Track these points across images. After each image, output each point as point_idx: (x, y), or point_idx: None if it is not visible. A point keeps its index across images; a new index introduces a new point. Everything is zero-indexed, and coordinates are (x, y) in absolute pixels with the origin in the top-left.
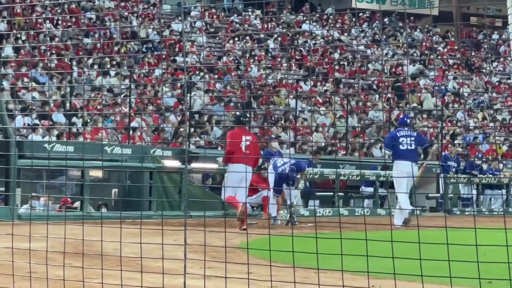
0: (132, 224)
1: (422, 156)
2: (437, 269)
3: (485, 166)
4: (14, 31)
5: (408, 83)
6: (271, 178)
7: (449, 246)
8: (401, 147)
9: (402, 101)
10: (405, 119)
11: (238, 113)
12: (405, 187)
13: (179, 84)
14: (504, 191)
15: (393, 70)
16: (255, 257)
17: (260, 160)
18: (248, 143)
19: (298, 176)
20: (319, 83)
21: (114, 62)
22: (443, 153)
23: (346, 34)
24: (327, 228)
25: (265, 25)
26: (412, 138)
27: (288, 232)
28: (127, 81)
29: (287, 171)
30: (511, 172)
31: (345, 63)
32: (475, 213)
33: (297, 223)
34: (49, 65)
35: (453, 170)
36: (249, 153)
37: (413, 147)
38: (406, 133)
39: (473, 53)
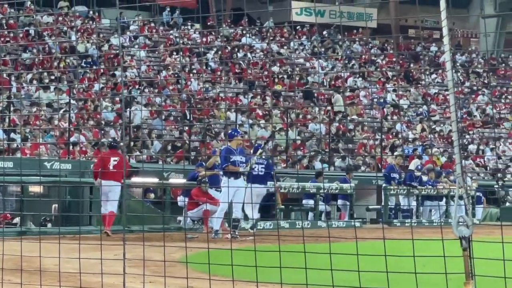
0: (73, 240)
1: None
2: (377, 281)
3: (425, 178)
4: None
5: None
6: (223, 194)
7: (389, 257)
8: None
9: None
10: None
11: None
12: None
13: (118, 99)
14: (443, 202)
15: (333, 82)
16: (195, 271)
17: (203, 172)
18: (115, 163)
19: None
20: (258, 96)
21: (53, 77)
22: (388, 165)
23: (285, 47)
24: (268, 241)
25: (204, 39)
26: (262, 166)
27: (229, 246)
28: (66, 95)
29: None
30: (450, 184)
31: (285, 76)
32: (415, 224)
33: (238, 237)
34: None
35: (396, 181)
36: (117, 171)
37: (263, 172)
38: (258, 161)
39: (411, 65)
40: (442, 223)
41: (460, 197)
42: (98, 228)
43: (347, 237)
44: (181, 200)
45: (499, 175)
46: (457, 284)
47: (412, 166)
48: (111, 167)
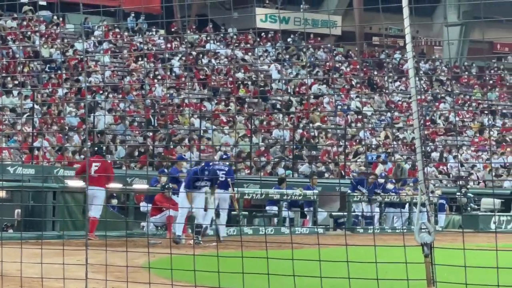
0: (35, 245)
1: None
2: (340, 287)
3: (390, 185)
4: None
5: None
6: (182, 199)
7: (351, 263)
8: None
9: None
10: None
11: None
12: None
13: (82, 104)
14: (406, 209)
15: (297, 89)
16: (159, 277)
17: (165, 179)
18: (96, 168)
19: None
20: (223, 102)
21: (17, 82)
22: (378, 172)
23: (250, 53)
24: (231, 247)
25: (169, 45)
26: (224, 172)
27: (192, 252)
28: (29, 100)
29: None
30: (413, 191)
31: (249, 83)
32: (378, 231)
33: (201, 242)
34: None
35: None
36: (99, 176)
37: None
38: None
39: (375, 73)
40: (405, 230)
41: (423, 204)
42: (61, 233)
43: (310, 244)
44: (144, 205)
45: (461, 182)
46: None
47: (377, 173)
48: (92, 172)
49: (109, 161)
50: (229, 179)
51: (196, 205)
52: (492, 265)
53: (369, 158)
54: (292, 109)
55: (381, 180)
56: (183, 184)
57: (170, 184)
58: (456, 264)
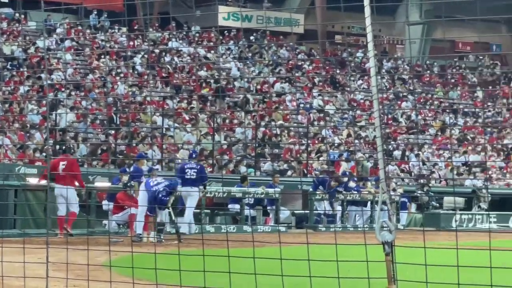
0: None
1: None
2: (301, 285)
3: (352, 183)
4: None
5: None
6: (142, 196)
7: (313, 262)
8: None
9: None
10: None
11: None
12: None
13: (44, 102)
14: (368, 207)
15: (259, 87)
16: (120, 275)
17: (127, 178)
18: (63, 166)
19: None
20: (185, 101)
21: None
22: (342, 170)
23: (212, 51)
24: (193, 245)
25: (131, 43)
26: (195, 170)
27: (153, 250)
28: None
29: (160, 193)
30: (375, 189)
31: (211, 81)
32: (340, 229)
33: (163, 241)
34: None
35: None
36: (66, 175)
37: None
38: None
39: (338, 71)
40: (367, 229)
41: (384, 203)
42: (22, 232)
43: (272, 242)
44: (106, 203)
45: (423, 181)
46: None
47: (342, 170)
48: (60, 171)
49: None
50: (204, 182)
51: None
52: (453, 263)
53: (332, 157)
54: (250, 107)
55: (344, 179)
56: (143, 183)
57: (132, 182)
58: (417, 262)
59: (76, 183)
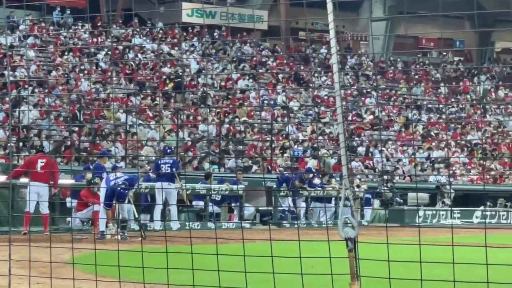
0: None
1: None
2: (264, 282)
3: (317, 180)
4: None
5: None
6: (102, 193)
7: (276, 258)
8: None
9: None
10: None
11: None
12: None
13: (7, 99)
14: (332, 203)
15: (223, 84)
16: (84, 272)
17: (90, 175)
18: (42, 164)
19: (131, 193)
20: (149, 97)
21: None
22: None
23: (176, 48)
24: (157, 242)
25: (95, 39)
26: (168, 164)
27: (117, 247)
28: None
29: (118, 186)
30: (339, 186)
31: (174, 77)
32: (304, 225)
33: (127, 238)
34: None
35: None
36: (44, 173)
37: (169, 171)
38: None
39: (302, 67)
40: (331, 225)
41: (347, 199)
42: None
43: (235, 238)
44: (70, 201)
45: (387, 177)
46: (344, 285)
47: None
48: (38, 169)
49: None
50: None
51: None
52: (416, 259)
53: (296, 153)
54: (210, 102)
55: (308, 175)
56: (104, 180)
57: (96, 179)
58: (380, 258)
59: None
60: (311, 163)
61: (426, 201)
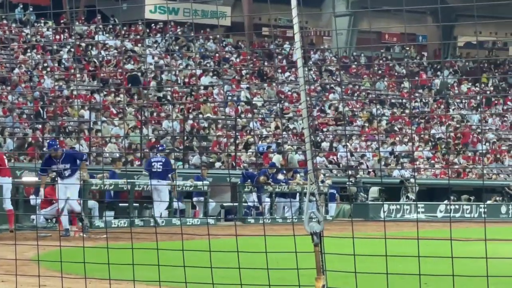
0: None
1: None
2: (230, 278)
3: (280, 176)
4: None
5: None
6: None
7: (242, 254)
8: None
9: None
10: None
11: None
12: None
13: None
14: (297, 199)
15: (187, 80)
16: (49, 270)
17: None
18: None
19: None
20: (112, 94)
21: None
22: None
23: (139, 44)
24: (122, 239)
25: (58, 36)
26: (161, 163)
27: (82, 244)
28: None
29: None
30: (304, 181)
31: (139, 74)
32: (269, 221)
33: (88, 230)
34: None
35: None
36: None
37: (160, 169)
38: (157, 159)
39: (265, 63)
40: (295, 220)
41: (312, 194)
42: None
43: (201, 234)
44: (34, 198)
45: (351, 172)
46: (309, 279)
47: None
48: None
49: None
50: (169, 174)
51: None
52: (381, 253)
53: (260, 149)
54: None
55: (272, 170)
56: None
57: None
58: (346, 253)
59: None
60: (276, 158)
61: (376, 195)
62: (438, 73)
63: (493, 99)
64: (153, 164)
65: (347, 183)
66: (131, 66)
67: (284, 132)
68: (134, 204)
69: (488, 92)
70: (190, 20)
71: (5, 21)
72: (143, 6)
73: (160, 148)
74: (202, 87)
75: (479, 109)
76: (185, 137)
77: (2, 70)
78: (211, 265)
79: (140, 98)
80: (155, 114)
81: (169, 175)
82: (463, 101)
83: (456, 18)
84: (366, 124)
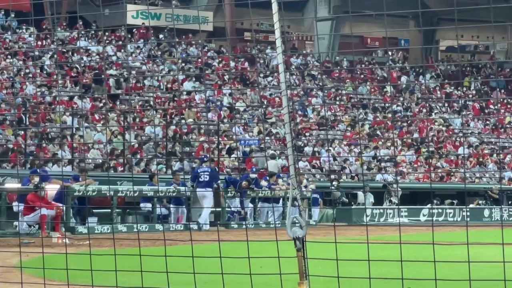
0: None
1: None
2: (214, 283)
3: (264, 182)
4: None
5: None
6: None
7: (225, 259)
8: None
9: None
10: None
11: None
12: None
13: None
14: (280, 204)
15: (170, 85)
16: (32, 276)
17: (37, 179)
18: None
19: None
20: (96, 100)
21: None
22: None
23: (121, 50)
24: (105, 245)
25: (40, 42)
26: (207, 173)
27: (65, 250)
28: None
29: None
30: (287, 186)
31: (121, 79)
32: (252, 226)
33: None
34: None
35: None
36: None
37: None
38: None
39: (247, 68)
40: (279, 225)
41: (295, 199)
42: None
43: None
44: (17, 205)
45: (334, 176)
46: (292, 284)
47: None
48: None
49: None
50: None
51: None
52: (364, 258)
53: (247, 144)
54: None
55: (253, 175)
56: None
57: (43, 183)
58: (328, 257)
59: None
60: (273, 164)
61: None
62: (420, 77)
63: (473, 103)
64: (200, 174)
65: (330, 187)
66: (113, 72)
67: (267, 137)
68: (117, 210)
69: (470, 96)
70: (171, 25)
71: None
72: (125, 11)
73: (205, 158)
74: (185, 93)
75: (461, 113)
76: (168, 143)
77: None
78: (194, 270)
79: (124, 104)
80: (137, 119)
81: (214, 183)
82: (445, 105)
83: (438, 22)
84: (349, 129)
